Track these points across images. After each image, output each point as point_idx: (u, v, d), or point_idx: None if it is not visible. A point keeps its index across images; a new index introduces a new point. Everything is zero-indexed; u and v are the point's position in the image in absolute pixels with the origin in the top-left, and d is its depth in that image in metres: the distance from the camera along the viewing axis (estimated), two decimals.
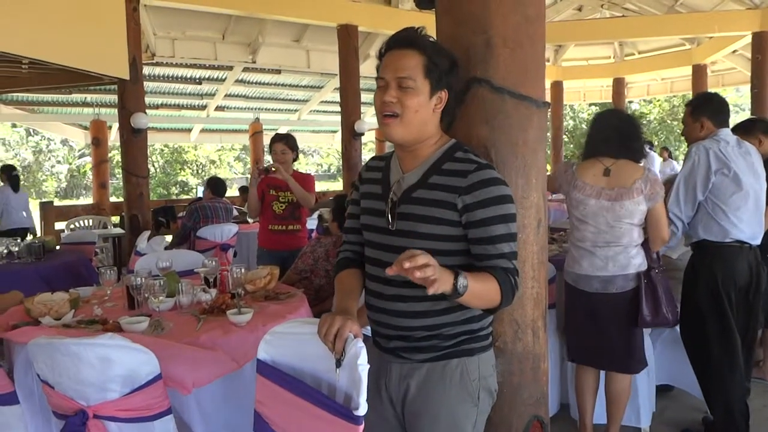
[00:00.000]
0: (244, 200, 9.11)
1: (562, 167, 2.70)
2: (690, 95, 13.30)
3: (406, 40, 1.37)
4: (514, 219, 1.35)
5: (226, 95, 11.54)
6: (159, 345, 1.87)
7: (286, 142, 3.91)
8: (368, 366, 1.24)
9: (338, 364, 1.26)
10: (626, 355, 2.56)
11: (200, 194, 9.70)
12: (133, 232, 6.51)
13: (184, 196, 23.90)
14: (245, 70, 10.23)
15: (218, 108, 12.32)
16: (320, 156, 32.62)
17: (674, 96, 20.03)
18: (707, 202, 2.70)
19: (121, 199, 7.33)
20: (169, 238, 6.00)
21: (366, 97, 9.05)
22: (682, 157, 22.34)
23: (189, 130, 13.77)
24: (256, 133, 12.56)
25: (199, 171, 28.05)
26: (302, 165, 31.97)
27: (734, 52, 12.00)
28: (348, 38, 8.43)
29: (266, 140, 14.02)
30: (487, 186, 1.32)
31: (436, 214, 1.35)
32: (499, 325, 1.60)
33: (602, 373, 2.70)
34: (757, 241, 2.74)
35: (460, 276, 1.21)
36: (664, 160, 11.56)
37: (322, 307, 2.93)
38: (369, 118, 12.56)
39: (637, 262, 2.51)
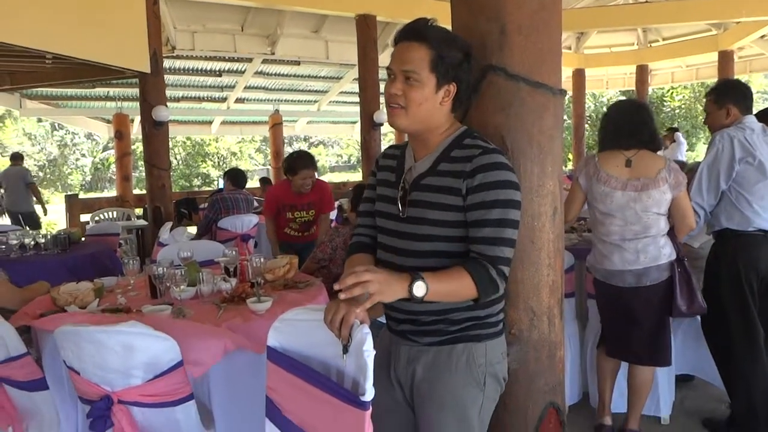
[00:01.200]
0: (265, 191, 9.24)
1: (583, 162, 2.67)
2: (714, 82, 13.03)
3: (413, 32, 1.37)
4: (514, 205, 1.34)
5: (245, 87, 11.63)
6: (176, 326, 1.91)
7: (314, 167, 3.86)
8: (374, 352, 1.26)
9: (345, 350, 1.28)
10: (657, 349, 2.54)
11: (221, 186, 9.84)
12: (156, 223, 6.63)
13: (206, 188, 24.21)
14: (264, 61, 10.30)
15: (238, 100, 12.42)
16: (340, 147, 32.71)
17: (700, 83, 19.64)
18: (730, 191, 2.66)
19: (144, 192, 7.45)
20: (191, 229, 6.09)
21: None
22: (700, 144, 21.94)
23: (210, 123, 13.92)
24: (275, 124, 12.62)
25: (221, 163, 28.37)
26: (322, 156, 32.18)
27: (762, 37, 11.70)
28: (367, 28, 8.41)
29: (286, 131, 14.25)
30: (489, 170, 1.33)
31: (444, 201, 1.37)
32: (515, 313, 1.60)
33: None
34: None
35: (416, 281, 1.24)
36: (672, 142, 11.16)
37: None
38: None
39: (667, 251, 2.48)
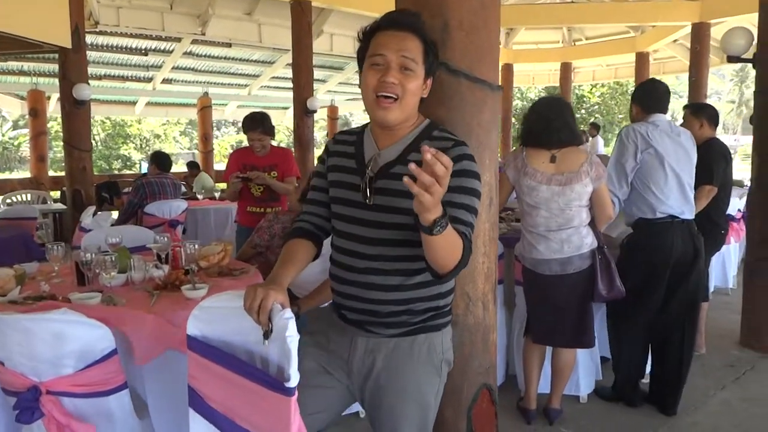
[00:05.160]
0: (193, 176, 8.95)
1: (512, 156, 2.79)
2: (633, 81, 13.82)
3: (407, 22, 1.38)
4: (479, 196, 1.39)
5: (173, 68, 11.17)
6: (115, 314, 1.86)
7: (262, 130, 3.71)
8: (297, 337, 1.23)
9: (266, 336, 1.26)
10: (581, 332, 2.70)
11: (145, 170, 9.44)
12: (76, 207, 6.31)
13: (127, 171, 23.13)
14: (194, 42, 9.94)
15: (165, 81, 11.93)
16: None
17: (616, 82, 20.79)
18: (637, 182, 2.90)
19: (61, 173, 7.05)
20: (115, 214, 5.84)
21: (318, 73, 8.96)
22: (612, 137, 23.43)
23: (134, 103, 13.29)
24: (204, 107, 12.26)
25: (143, 145, 27.20)
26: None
27: (675, 41, 12.49)
28: (301, 13, 8.30)
29: (215, 115, 13.84)
30: (461, 160, 1.36)
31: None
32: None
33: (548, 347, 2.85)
34: (687, 216, 2.93)
35: (446, 217, 1.15)
36: (593, 136, 11.92)
37: None
38: (321, 95, 12.47)
39: (589, 241, 2.64)
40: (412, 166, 1.03)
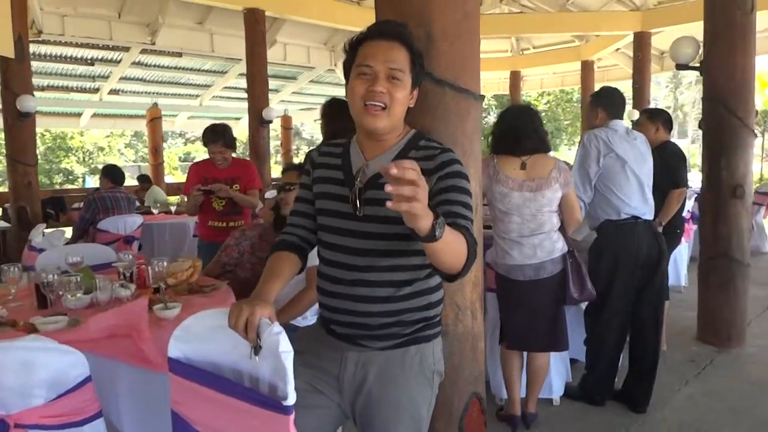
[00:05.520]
0: (144, 189, 8.67)
1: (483, 164, 2.82)
2: (579, 89, 14.29)
3: (395, 33, 1.37)
4: (471, 195, 1.38)
5: (121, 78, 10.84)
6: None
7: (223, 142, 3.62)
8: (292, 352, 1.20)
9: (255, 352, 1.22)
10: (554, 335, 2.74)
11: (92, 184, 9.09)
12: (21, 225, 6.01)
13: (70, 186, 22.24)
14: (143, 51, 9.68)
15: (112, 91, 11.56)
16: None
17: (561, 90, 21.47)
18: (600, 185, 3.00)
19: (3, 189, 6.70)
20: (68, 232, 5.58)
21: (272, 83, 8.85)
22: (562, 145, 24.22)
23: (78, 115, 12.81)
24: (154, 118, 11.90)
25: (86, 158, 26.28)
26: (199, 153, 30.76)
27: (617, 50, 13.00)
28: (255, 23, 8.21)
29: (165, 126, 13.47)
30: (451, 164, 1.36)
31: None
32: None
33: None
34: (648, 216, 3.05)
35: (440, 219, 1.09)
36: None
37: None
38: (274, 105, 12.32)
39: (560, 245, 2.69)
40: (388, 188, 0.99)
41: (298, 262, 1.51)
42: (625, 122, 3.16)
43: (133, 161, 27.12)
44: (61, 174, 24.98)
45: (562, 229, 2.77)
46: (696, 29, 9.44)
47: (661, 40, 11.90)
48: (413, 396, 1.42)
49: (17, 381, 1.55)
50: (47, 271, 2.29)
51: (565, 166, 2.76)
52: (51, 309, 2.25)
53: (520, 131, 2.66)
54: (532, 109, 2.85)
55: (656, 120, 3.64)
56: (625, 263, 2.95)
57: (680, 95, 31.00)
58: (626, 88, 14.38)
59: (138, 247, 5.43)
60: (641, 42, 10.61)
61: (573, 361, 3.53)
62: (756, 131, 3.98)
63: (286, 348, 1.20)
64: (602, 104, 3.08)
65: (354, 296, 1.40)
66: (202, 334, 1.38)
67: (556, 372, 3.14)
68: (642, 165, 3.04)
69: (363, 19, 9.99)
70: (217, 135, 3.66)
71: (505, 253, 2.70)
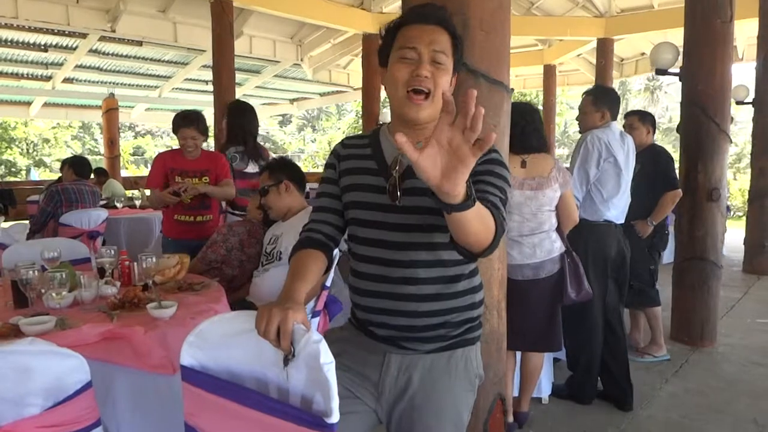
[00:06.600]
0: (100, 183, 8.29)
1: None
2: (541, 92, 14.55)
3: (437, 16, 1.30)
4: (510, 184, 1.33)
5: (76, 66, 10.34)
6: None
7: (197, 127, 3.40)
8: (333, 362, 1.10)
9: (286, 362, 1.12)
10: (551, 335, 2.73)
11: (36, 177, 8.64)
12: None
13: (12, 179, 21.23)
14: (102, 39, 9.24)
15: (66, 80, 11.01)
16: (170, 137, 30.66)
17: (520, 92, 21.80)
18: (591, 186, 3.00)
19: None
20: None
21: (236, 77, 8.62)
22: None
23: (29, 103, 12.17)
24: (110, 109, 11.44)
25: (30, 150, 25.13)
26: (149, 147, 29.83)
27: (579, 55, 13.28)
28: (222, 13, 7.96)
29: (122, 117, 12.96)
30: (490, 153, 1.31)
31: None
32: None
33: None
34: (621, 221, 3.13)
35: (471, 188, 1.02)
36: None
37: (237, 295, 2.75)
38: (241, 97, 12.02)
39: (558, 245, 2.68)
40: (472, 92, 0.92)
41: (325, 260, 1.41)
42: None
43: (80, 154, 26.08)
44: (2, 166, 23.79)
45: (559, 229, 2.77)
46: (658, 37, 9.80)
47: (622, 47, 12.24)
48: (456, 402, 1.36)
49: (10, 389, 1.40)
50: (27, 268, 2.12)
51: (563, 166, 2.76)
52: (31, 308, 2.08)
53: (523, 129, 2.64)
54: (534, 108, 2.83)
55: (647, 122, 3.69)
56: (596, 263, 2.98)
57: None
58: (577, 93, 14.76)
59: (102, 242, 5.17)
60: (604, 48, 10.85)
61: (554, 360, 3.56)
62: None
63: (327, 359, 1.09)
64: (608, 104, 3.06)
65: (399, 295, 1.32)
66: (221, 340, 1.26)
67: (545, 371, 3.14)
68: (630, 169, 3.09)
69: (331, 13, 9.87)
70: (190, 120, 3.44)
71: (505, 253, 2.67)
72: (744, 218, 7.43)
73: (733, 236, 7.58)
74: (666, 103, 29.41)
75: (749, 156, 6.99)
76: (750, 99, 6.66)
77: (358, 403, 1.36)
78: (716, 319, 4.20)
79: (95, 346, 1.77)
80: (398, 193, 1.30)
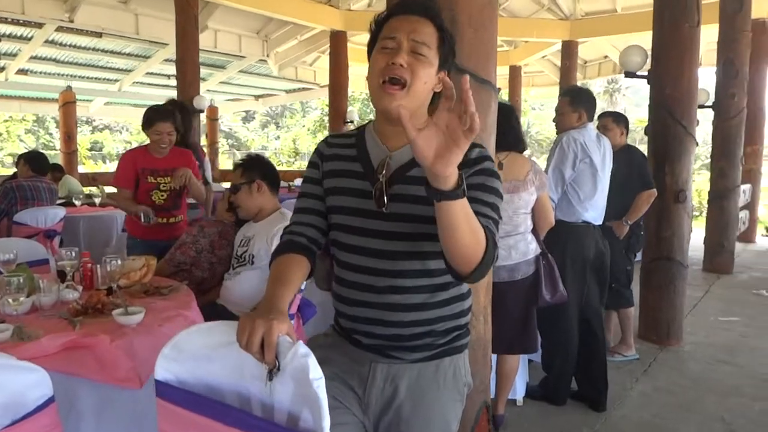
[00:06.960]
0: (56, 179, 7.95)
1: None
2: (507, 92, 14.70)
3: (422, 7, 1.23)
4: (501, 196, 1.28)
5: (31, 57, 9.92)
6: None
7: (174, 122, 3.25)
8: (323, 378, 1.02)
9: (270, 376, 1.05)
10: (526, 337, 2.72)
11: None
12: None
13: None
14: (59, 29, 8.88)
15: (20, 71, 10.57)
16: (129, 133, 29.89)
17: None
18: (567, 186, 3.00)
19: None
20: None
21: (203, 72, 8.43)
22: None
23: None
24: (67, 103, 11.01)
25: None
26: (107, 142, 28.95)
27: (544, 57, 13.48)
28: (187, 5, 7.78)
29: (80, 111, 12.52)
30: (483, 161, 1.27)
31: None
32: None
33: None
34: (599, 222, 3.14)
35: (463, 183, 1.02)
36: None
37: (207, 298, 2.64)
38: (205, 93, 11.78)
39: (534, 247, 2.67)
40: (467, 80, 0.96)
41: (308, 265, 1.33)
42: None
43: (34, 148, 25.15)
44: None
45: (535, 231, 2.76)
46: (621, 41, 10.00)
47: (586, 49, 12.47)
48: (445, 412, 1.31)
49: None
50: None
51: (540, 168, 2.75)
52: None
53: (500, 127, 2.61)
54: (508, 105, 2.81)
55: (621, 123, 3.73)
56: (574, 264, 2.99)
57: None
58: (551, 95, 14.99)
59: (59, 242, 4.95)
60: (569, 50, 11.04)
61: (529, 361, 3.56)
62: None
63: (317, 374, 1.02)
64: (584, 105, 3.07)
65: (385, 305, 1.27)
66: (199, 352, 1.17)
67: (519, 372, 3.12)
68: (607, 170, 3.10)
69: (299, 9, 9.74)
70: (166, 114, 3.27)
71: None
72: (701, 218, 7.65)
73: (692, 235, 7.79)
74: (624, 105, 30.18)
75: (704, 157, 7.19)
76: (710, 102, 6.84)
77: (347, 413, 1.30)
78: (682, 318, 4.28)
79: (56, 356, 1.66)
80: (385, 199, 1.24)
